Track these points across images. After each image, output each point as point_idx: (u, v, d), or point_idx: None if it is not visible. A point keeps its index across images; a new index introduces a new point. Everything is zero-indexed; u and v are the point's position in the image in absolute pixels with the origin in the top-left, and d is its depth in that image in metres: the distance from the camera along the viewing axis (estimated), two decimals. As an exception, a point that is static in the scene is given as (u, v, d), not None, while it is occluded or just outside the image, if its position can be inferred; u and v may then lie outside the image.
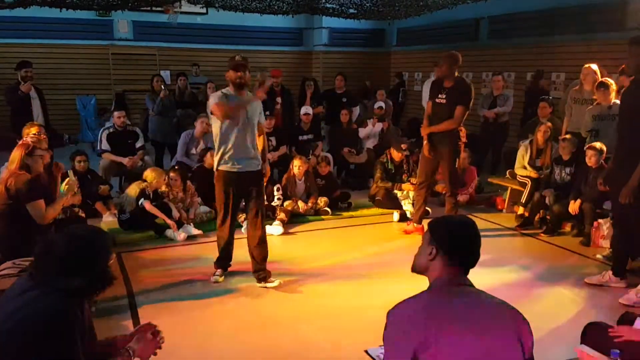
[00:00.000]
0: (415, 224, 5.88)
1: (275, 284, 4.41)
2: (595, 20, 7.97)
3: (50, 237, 1.98)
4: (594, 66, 6.22)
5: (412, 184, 6.37)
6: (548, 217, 5.90)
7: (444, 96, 5.40)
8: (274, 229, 5.78)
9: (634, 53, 3.96)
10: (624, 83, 5.38)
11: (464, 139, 5.91)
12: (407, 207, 6.39)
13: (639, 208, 3.98)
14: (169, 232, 5.59)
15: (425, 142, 5.56)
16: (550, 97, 7.76)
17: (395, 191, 6.66)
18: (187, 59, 11.88)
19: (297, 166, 6.49)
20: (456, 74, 5.47)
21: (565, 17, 8.54)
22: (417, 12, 9.36)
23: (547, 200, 5.94)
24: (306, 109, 8.11)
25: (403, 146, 6.81)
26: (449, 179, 5.60)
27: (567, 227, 5.91)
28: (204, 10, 11.61)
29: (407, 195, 6.47)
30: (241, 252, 5.21)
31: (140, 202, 5.65)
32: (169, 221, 5.63)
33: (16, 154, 3.92)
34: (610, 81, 5.73)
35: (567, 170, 5.94)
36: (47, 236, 1.99)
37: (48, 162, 4.61)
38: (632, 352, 2.40)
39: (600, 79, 6.05)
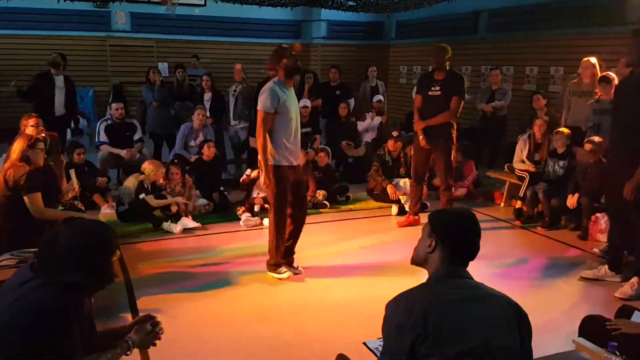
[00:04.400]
0: (412, 216, 5.91)
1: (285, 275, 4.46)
2: (594, 13, 7.95)
3: (56, 229, 1.97)
4: (593, 59, 6.21)
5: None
6: (544, 210, 5.92)
7: (437, 88, 5.39)
8: (272, 222, 5.78)
9: (635, 45, 3.92)
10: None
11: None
12: (405, 201, 6.40)
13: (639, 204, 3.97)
14: (166, 225, 5.58)
15: (420, 136, 5.55)
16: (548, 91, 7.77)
17: (387, 187, 6.61)
18: (185, 51, 11.82)
19: None
20: (447, 66, 5.45)
21: (564, 11, 8.52)
22: (416, 5, 9.33)
23: (539, 195, 5.96)
24: (304, 102, 8.10)
25: (394, 133, 6.85)
26: (444, 171, 5.60)
27: (565, 221, 5.92)
28: (202, 2, 11.57)
29: (405, 191, 6.46)
30: (241, 245, 5.24)
31: (140, 197, 5.64)
32: (172, 201, 5.76)
33: (17, 146, 3.91)
34: (613, 75, 5.71)
35: (561, 163, 5.95)
36: (53, 228, 1.98)
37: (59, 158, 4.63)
38: (629, 345, 2.41)
39: (599, 73, 6.04)
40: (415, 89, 6.07)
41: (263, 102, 4.12)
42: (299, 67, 4.29)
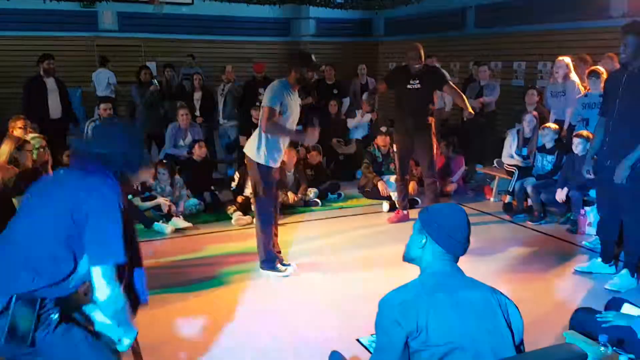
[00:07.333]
0: (401, 211, 5.93)
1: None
2: (581, 8, 8.01)
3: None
4: (567, 59, 6.30)
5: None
6: (533, 205, 5.96)
7: (416, 81, 5.42)
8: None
9: (630, 42, 3.91)
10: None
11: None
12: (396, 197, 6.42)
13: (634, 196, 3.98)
14: (157, 225, 5.56)
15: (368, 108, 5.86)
16: (536, 86, 7.82)
17: (378, 184, 6.64)
18: (172, 50, 11.75)
19: (287, 156, 6.49)
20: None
21: (551, 6, 8.58)
22: (404, 2, 9.37)
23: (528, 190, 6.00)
24: (295, 100, 8.08)
25: (382, 129, 6.88)
26: (428, 163, 5.63)
27: (555, 215, 5.97)
28: (189, 1, 11.52)
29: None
30: (232, 244, 5.24)
31: (129, 197, 5.62)
32: (158, 202, 5.74)
33: (5, 148, 3.89)
34: (602, 70, 5.76)
35: (549, 158, 5.99)
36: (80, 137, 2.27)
37: (46, 160, 4.59)
38: (619, 337, 2.44)
39: (572, 71, 6.14)
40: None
41: (268, 98, 4.09)
42: (309, 84, 4.34)
